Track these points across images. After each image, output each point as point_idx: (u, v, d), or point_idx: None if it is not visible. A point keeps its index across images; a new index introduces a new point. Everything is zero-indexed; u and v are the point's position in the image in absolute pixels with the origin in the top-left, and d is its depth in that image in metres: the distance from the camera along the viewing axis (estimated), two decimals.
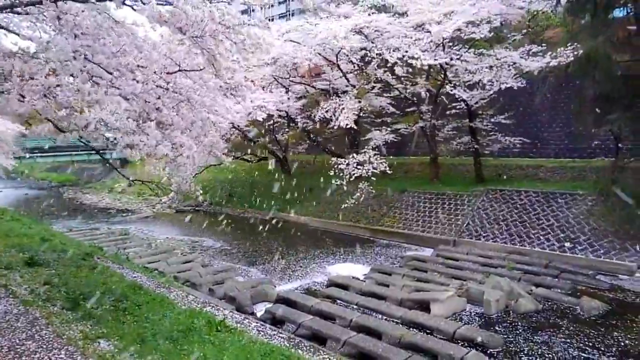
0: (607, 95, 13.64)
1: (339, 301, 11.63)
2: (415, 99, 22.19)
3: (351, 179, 19.89)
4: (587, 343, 9.23)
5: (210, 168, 24.04)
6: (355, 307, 11.23)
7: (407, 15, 19.74)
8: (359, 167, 20.07)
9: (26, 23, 5.90)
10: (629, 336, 9.44)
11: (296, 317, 9.89)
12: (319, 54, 22.10)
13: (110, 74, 5.27)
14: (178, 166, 6.94)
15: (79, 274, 9.00)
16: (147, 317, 7.11)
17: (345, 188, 19.76)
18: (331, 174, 20.38)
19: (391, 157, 24.67)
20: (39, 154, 32.41)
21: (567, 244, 14.79)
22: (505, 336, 9.57)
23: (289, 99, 24.69)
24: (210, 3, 5.66)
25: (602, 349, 8.97)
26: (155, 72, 5.93)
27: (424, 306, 10.90)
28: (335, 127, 21.13)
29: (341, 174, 20.03)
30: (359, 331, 9.12)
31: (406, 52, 18.14)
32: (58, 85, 5.52)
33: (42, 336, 6.03)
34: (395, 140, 23.17)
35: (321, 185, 22.50)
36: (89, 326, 6.49)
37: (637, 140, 16.27)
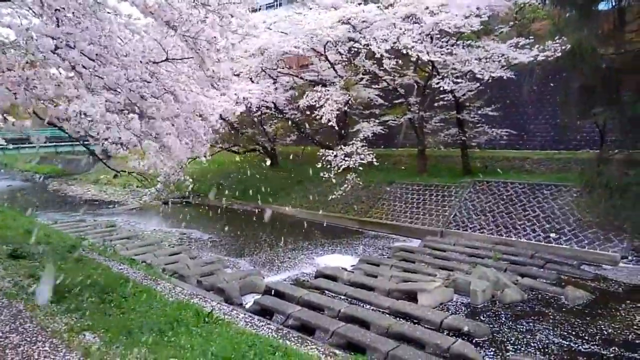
0: (592, 88, 13.77)
1: (327, 292, 11.67)
2: (403, 90, 22.20)
3: (339, 171, 19.87)
4: (571, 332, 9.39)
5: (197, 160, 23.77)
6: (343, 297, 11.28)
7: (393, 7, 19.55)
8: (346, 158, 20.04)
9: (6, 10, 5.74)
10: (612, 325, 9.61)
11: (285, 308, 9.91)
12: (307, 45, 21.95)
13: (93, 61, 5.14)
14: (162, 157, 6.83)
15: (64, 267, 8.88)
16: (134, 309, 7.05)
17: (333, 180, 19.74)
18: (319, 165, 20.34)
19: (379, 148, 24.70)
20: (22, 145, 31.80)
21: (553, 235, 15.00)
22: (491, 325, 9.69)
23: (276, 89, 24.50)
24: None
25: (586, 337, 9.13)
26: (140, 61, 5.82)
27: (412, 296, 10.99)
28: (318, 118, 21.00)
29: (329, 166, 20.00)
30: (347, 321, 9.17)
31: (394, 43, 18.08)
32: (34, 79, 5.37)
33: (25, 329, 5.94)
34: (383, 132, 23.10)
35: (310, 176, 22.45)
36: (74, 319, 6.41)
37: (621, 132, 16.46)
